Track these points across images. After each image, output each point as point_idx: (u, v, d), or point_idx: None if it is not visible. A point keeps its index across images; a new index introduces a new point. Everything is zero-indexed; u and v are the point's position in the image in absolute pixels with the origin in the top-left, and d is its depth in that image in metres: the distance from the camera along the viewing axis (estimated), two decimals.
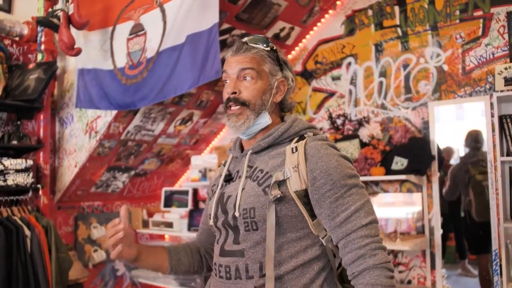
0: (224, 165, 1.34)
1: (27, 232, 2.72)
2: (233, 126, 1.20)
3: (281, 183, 1.11)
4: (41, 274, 2.68)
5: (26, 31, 2.98)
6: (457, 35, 2.76)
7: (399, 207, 2.94)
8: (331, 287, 1.14)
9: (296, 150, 1.14)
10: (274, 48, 1.24)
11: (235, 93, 1.19)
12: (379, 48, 3.08)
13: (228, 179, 1.25)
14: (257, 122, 1.21)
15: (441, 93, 2.82)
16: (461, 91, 2.74)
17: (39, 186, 2.95)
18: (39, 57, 3.05)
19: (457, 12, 2.77)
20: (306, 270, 1.11)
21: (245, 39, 1.23)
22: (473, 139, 3.16)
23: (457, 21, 2.77)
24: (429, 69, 2.87)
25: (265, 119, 1.22)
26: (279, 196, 1.09)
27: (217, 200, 1.23)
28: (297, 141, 1.17)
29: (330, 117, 3.18)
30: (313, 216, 1.13)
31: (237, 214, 1.13)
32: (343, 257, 1.09)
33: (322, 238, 1.14)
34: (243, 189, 1.16)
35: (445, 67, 2.81)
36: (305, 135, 1.19)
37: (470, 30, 2.71)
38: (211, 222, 1.22)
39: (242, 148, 1.30)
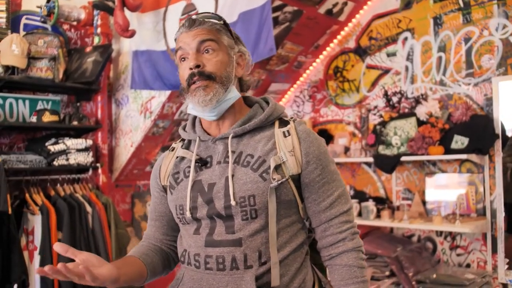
0: (188, 149, 1.21)
1: (89, 208, 2.85)
2: (202, 101, 1.09)
3: (277, 168, 1.08)
4: (102, 249, 2.81)
5: (83, 16, 3.06)
6: None
7: (458, 188, 2.82)
8: (309, 267, 1.19)
9: (289, 134, 1.12)
10: (226, 22, 1.18)
11: (198, 66, 1.10)
12: (438, 22, 2.92)
13: (202, 164, 1.14)
14: (227, 97, 1.12)
15: (507, 68, 2.65)
16: None
17: (98, 165, 3.08)
18: (96, 40, 3.14)
19: None
20: (297, 254, 1.13)
21: (194, 16, 1.15)
22: None
23: None
24: (493, 42, 2.70)
25: (235, 94, 1.14)
26: (282, 180, 1.07)
27: (193, 189, 1.12)
28: (280, 125, 1.15)
29: (385, 94, 3.07)
30: (302, 199, 1.14)
31: (233, 203, 1.06)
32: (321, 239, 1.14)
33: (306, 221, 1.18)
34: (233, 175, 1.08)
35: None
36: (285, 119, 1.18)
37: None
38: (187, 214, 1.11)
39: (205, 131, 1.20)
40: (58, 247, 0.98)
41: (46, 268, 0.90)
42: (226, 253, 1.06)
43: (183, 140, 1.26)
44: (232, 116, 1.16)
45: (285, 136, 1.12)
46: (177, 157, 1.21)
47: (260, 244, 1.06)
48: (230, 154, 1.11)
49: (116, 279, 1.02)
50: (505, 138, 2.69)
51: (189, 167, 1.15)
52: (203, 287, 1.09)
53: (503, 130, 2.69)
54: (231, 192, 1.06)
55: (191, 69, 1.10)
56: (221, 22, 1.16)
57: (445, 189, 2.89)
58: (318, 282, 1.19)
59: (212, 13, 1.17)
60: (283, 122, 1.17)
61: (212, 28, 1.13)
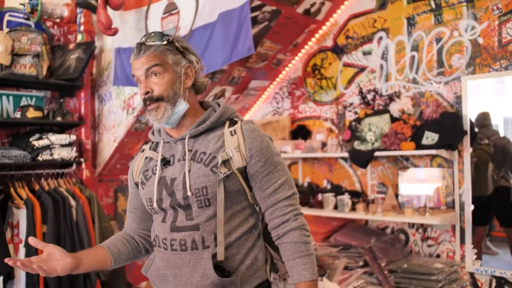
0: (155, 150, 1.41)
1: (73, 202, 2.91)
2: (154, 120, 1.30)
3: (225, 162, 1.27)
4: (86, 242, 2.87)
5: (66, 13, 3.10)
6: (493, 6, 2.69)
7: (429, 182, 2.94)
8: (262, 246, 1.39)
9: (235, 133, 1.31)
10: (171, 39, 1.32)
11: (148, 92, 1.30)
12: (411, 22, 3.04)
13: (165, 163, 1.34)
14: (175, 111, 1.31)
15: (475, 67, 2.77)
16: (496, 64, 2.69)
17: (81, 160, 3.13)
18: (79, 37, 3.19)
19: None
20: (249, 235, 1.33)
21: (142, 39, 1.32)
22: (481, 119, 3.07)
23: None
24: (463, 42, 2.82)
25: (182, 106, 1.32)
26: (228, 173, 1.26)
27: (159, 184, 1.32)
28: (229, 125, 1.35)
29: (360, 92, 3.18)
30: (250, 188, 1.33)
31: (189, 193, 1.26)
32: (269, 222, 1.33)
33: (257, 206, 1.36)
34: (189, 171, 1.28)
35: (480, 40, 2.74)
36: (235, 119, 1.37)
37: (508, 1, 2.62)
38: (154, 204, 1.32)
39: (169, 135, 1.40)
40: (32, 241, 1.22)
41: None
42: (187, 237, 1.28)
43: (152, 142, 1.47)
44: (188, 120, 1.36)
45: (232, 135, 1.32)
46: (146, 157, 1.42)
47: (215, 227, 1.27)
48: (187, 152, 1.32)
49: (75, 268, 1.27)
50: (473, 134, 2.82)
51: (156, 165, 1.36)
52: (170, 265, 1.30)
53: (471, 127, 2.82)
54: (187, 185, 1.26)
55: (143, 94, 1.31)
56: (164, 42, 1.31)
57: (417, 183, 3.01)
58: (270, 258, 1.40)
59: (157, 33, 1.32)
60: (233, 122, 1.36)
61: (156, 52, 1.29)
